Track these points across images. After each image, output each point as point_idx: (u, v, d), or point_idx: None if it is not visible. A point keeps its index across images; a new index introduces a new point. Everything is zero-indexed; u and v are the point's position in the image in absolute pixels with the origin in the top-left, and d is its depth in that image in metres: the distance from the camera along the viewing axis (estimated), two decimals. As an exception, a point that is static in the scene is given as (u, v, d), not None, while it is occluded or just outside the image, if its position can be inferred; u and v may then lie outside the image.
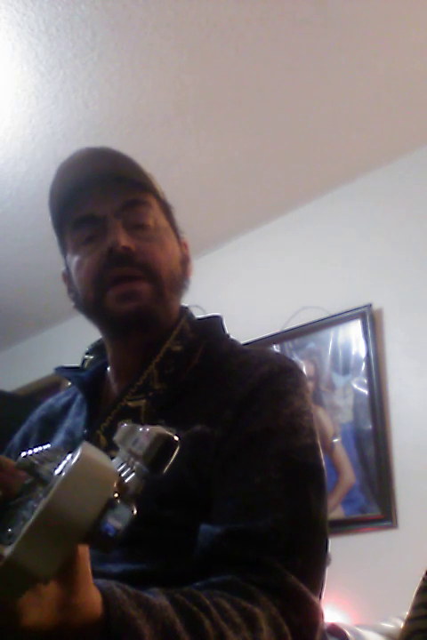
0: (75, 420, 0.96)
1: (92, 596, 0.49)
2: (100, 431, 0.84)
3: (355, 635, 1.14)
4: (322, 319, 2.63)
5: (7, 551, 0.36)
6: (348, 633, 1.13)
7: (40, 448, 0.50)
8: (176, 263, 0.94)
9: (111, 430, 0.83)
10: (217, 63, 2.20)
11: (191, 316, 0.97)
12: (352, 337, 2.53)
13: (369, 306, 2.51)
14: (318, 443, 0.82)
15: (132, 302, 0.87)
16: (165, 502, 0.74)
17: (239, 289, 2.97)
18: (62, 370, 1.02)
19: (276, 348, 2.69)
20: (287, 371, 0.86)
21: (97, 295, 0.89)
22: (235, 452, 0.77)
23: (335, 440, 2.45)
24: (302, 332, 2.69)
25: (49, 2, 1.97)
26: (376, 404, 2.38)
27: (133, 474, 0.40)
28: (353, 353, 2.52)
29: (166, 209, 0.97)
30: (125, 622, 0.51)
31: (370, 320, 2.49)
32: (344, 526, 2.32)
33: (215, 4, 1.99)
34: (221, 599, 0.63)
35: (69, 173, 0.90)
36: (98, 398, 0.95)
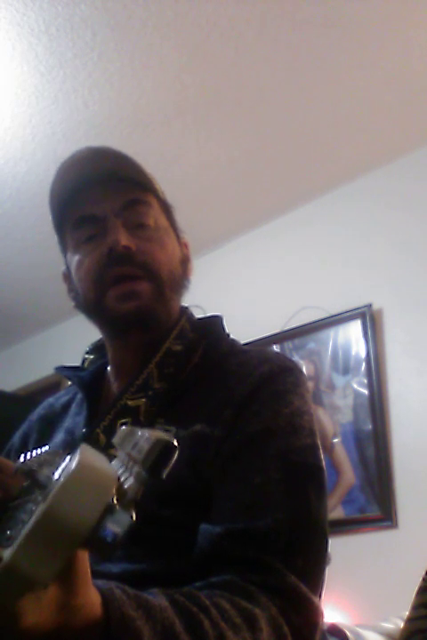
0: (74, 419, 0.96)
1: (91, 597, 0.49)
2: (99, 430, 0.84)
3: (355, 635, 1.14)
4: (322, 319, 2.63)
5: (6, 555, 0.36)
6: (348, 633, 1.13)
7: (39, 451, 0.50)
8: (176, 263, 0.94)
9: (111, 429, 0.83)
10: (217, 63, 2.20)
11: (191, 315, 0.97)
12: (352, 337, 2.53)
13: (369, 306, 2.51)
14: (319, 442, 0.82)
15: (132, 302, 0.87)
16: (165, 502, 0.74)
17: (239, 289, 2.97)
18: (62, 369, 1.02)
19: (276, 348, 2.69)
20: (287, 370, 0.86)
21: (97, 295, 0.89)
22: (235, 452, 0.77)
23: (335, 440, 2.45)
24: (302, 332, 2.69)
25: (49, 2, 1.97)
26: (376, 404, 2.38)
27: (132, 478, 0.40)
28: (353, 353, 2.52)
29: (167, 209, 0.97)
30: (125, 623, 0.51)
31: (370, 320, 2.49)
32: (344, 526, 2.32)
33: (215, 4, 1.99)
34: (221, 599, 0.63)
35: (70, 173, 0.90)
36: (98, 397, 0.95)
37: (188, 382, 0.88)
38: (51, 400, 1.08)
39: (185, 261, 0.98)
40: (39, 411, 1.07)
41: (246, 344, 1.03)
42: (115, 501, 0.37)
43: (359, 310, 2.53)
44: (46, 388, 3.44)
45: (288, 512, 0.73)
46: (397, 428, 2.32)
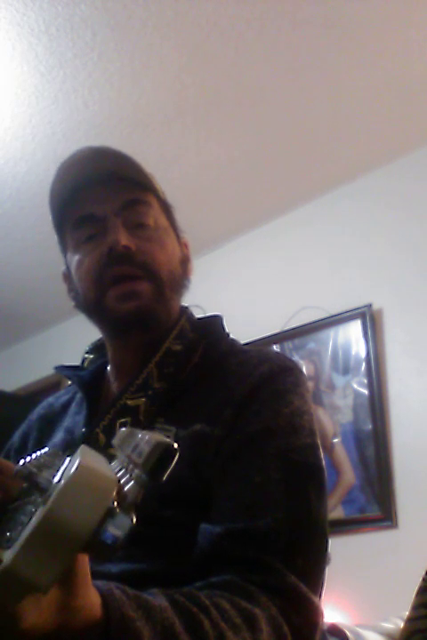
0: (74, 418, 0.96)
1: (91, 598, 0.49)
2: (99, 430, 0.84)
3: (355, 635, 1.14)
4: (322, 319, 2.63)
5: (6, 557, 0.36)
6: (348, 633, 1.13)
7: (38, 453, 0.50)
8: (176, 263, 0.94)
9: (110, 429, 0.83)
10: (217, 63, 2.20)
11: (191, 315, 0.97)
12: (352, 337, 2.53)
13: (369, 306, 2.51)
14: (319, 442, 0.82)
15: (132, 302, 0.87)
16: (165, 502, 0.74)
17: (239, 289, 2.97)
18: (62, 368, 1.02)
19: (276, 348, 2.69)
20: (287, 370, 0.86)
21: (97, 294, 0.89)
22: (235, 452, 0.77)
23: (335, 440, 2.45)
24: (302, 332, 2.69)
25: (49, 2, 1.97)
26: (376, 404, 2.38)
27: (132, 481, 0.40)
28: (353, 353, 2.52)
29: (166, 208, 0.97)
30: (125, 623, 0.51)
31: (370, 320, 2.49)
32: (344, 526, 2.32)
33: (215, 4, 1.98)
34: (221, 599, 0.63)
35: (70, 173, 0.90)
36: (98, 397, 0.95)
37: (187, 382, 0.88)
38: (50, 399, 1.08)
39: (185, 261, 0.98)
40: (39, 410, 1.07)
41: (246, 344, 1.03)
42: (115, 505, 0.37)
43: (359, 310, 2.53)
44: (46, 387, 3.44)
45: (288, 512, 0.73)
46: (397, 428, 2.32)
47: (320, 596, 0.74)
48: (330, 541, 0.78)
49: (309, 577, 0.71)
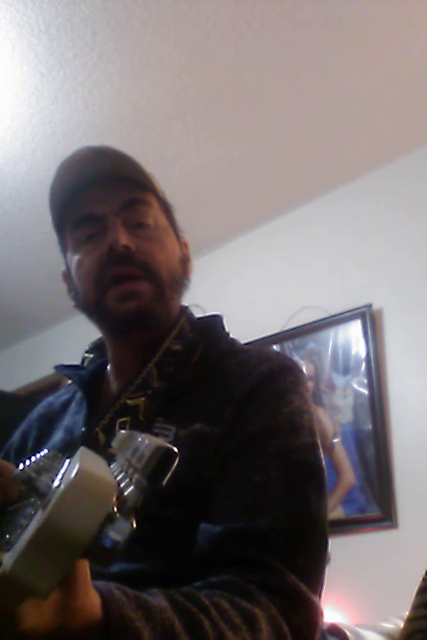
0: (74, 417, 0.96)
1: (91, 599, 0.49)
2: (98, 429, 0.84)
3: (355, 635, 1.14)
4: (322, 319, 2.63)
5: (6, 561, 0.36)
6: (348, 633, 1.13)
7: (37, 456, 0.50)
8: (176, 262, 0.94)
9: (110, 428, 0.83)
10: (217, 63, 2.20)
11: (191, 315, 0.97)
12: (352, 337, 2.53)
13: (369, 306, 2.51)
14: (318, 442, 0.82)
15: (132, 302, 0.87)
16: (165, 501, 0.74)
17: (239, 289, 2.97)
18: (62, 368, 1.02)
19: (276, 348, 2.69)
20: (287, 369, 0.86)
21: (97, 294, 0.89)
22: (235, 451, 0.77)
23: (335, 440, 2.45)
24: (302, 332, 2.69)
25: (49, 2, 1.97)
26: (376, 404, 2.38)
27: (132, 486, 0.39)
28: (353, 353, 2.52)
29: (166, 208, 0.97)
30: (125, 624, 0.51)
31: (370, 320, 2.49)
32: (344, 526, 2.32)
33: (215, 4, 1.98)
34: (221, 599, 0.63)
35: (70, 172, 0.90)
36: (97, 396, 0.95)
37: (187, 381, 0.88)
38: (50, 399, 1.08)
39: (185, 261, 0.98)
40: (39, 409, 1.07)
41: (246, 344, 1.03)
42: (115, 510, 0.37)
43: (359, 310, 2.53)
44: (46, 387, 3.44)
45: (288, 511, 0.73)
46: (397, 428, 2.32)
47: (320, 595, 0.74)
48: (330, 541, 0.77)
49: (309, 577, 0.71)
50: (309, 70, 2.23)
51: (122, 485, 0.40)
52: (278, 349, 2.69)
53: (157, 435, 0.81)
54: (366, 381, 2.43)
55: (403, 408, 2.33)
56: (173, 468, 0.40)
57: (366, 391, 2.42)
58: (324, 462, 0.81)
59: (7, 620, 0.41)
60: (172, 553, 0.74)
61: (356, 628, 1.19)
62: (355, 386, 2.47)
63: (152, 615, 0.55)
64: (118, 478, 0.41)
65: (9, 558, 0.36)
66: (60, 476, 0.39)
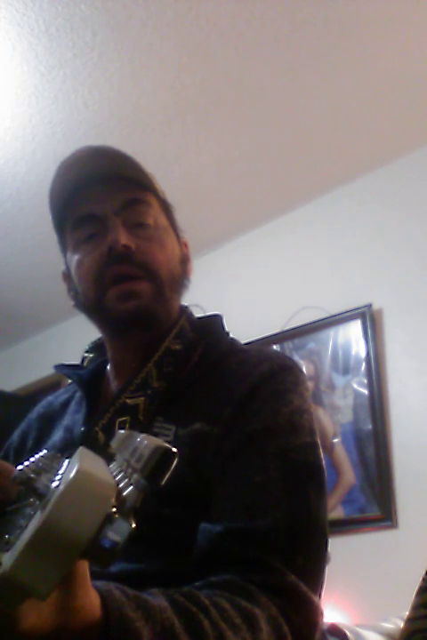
0: (73, 417, 0.96)
1: (90, 599, 0.49)
2: (98, 428, 0.84)
3: (355, 635, 1.14)
4: (322, 319, 2.62)
5: (5, 561, 0.36)
6: (348, 633, 1.13)
7: (36, 457, 0.50)
8: (176, 262, 0.94)
9: (109, 428, 0.83)
10: (217, 63, 2.20)
11: (191, 315, 0.97)
12: (352, 337, 2.53)
13: (369, 306, 2.51)
14: (318, 441, 0.82)
15: (132, 302, 0.87)
16: (164, 500, 0.74)
17: (239, 289, 2.97)
18: (62, 367, 1.02)
19: (276, 348, 2.69)
20: (287, 369, 0.86)
21: (97, 294, 0.89)
22: (235, 451, 0.77)
23: (335, 440, 2.45)
24: (302, 332, 2.69)
25: (49, 2, 1.97)
26: (376, 404, 2.38)
27: (131, 486, 0.39)
28: (353, 353, 2.52)
29: (166, 208, 0.97)
30: (124, 624, 0.51)
31: (370, 320, 2.49)
32: (344, 526, 2.32)
33: (215, 4, 1.98)
34: (221, 599, 0.63)
35: (70, 172, 0.90)
36: (97, 396, 0.95)
37: (187, 381, 0.88)
38: (50, 398, 1.08)
39: (185, 261, 0.98)
40: (38, 408, 1.07)
41: (246, 344, 1.03)
42: (114, 510, 0.37)
43: (359, 310, 2.53)
44: (46, 387, 3.44)
45: (288, 511, 0.73)
46: (397, 428, 2.32)
47: (320, 595, 0.74)
48: (330, 541, 0.77)
49: (309, 576, 0.71)
50: (309, 70, 2.23)
51: (121, 486, 0.40)
52: (278, 349, 2.69)
53: (156, 434, 0.81)
54: (366, 381, 2.43)
55: (403, 408, 2.33)
56: (172, 469, 0.40)
57: (366, 391, 2.42)
58: (324, 462, 0.81)
59: (6, 621, 0.41)
60: (172, 553, 0.74)
61: (356, 628, 1.19)
62: (355, 386, 2.47)
63: (152, 615, 0.55)
64: (117, 478, 0.41)
65: (8, 559, 0.36)
66: (59, 477, 0.39)
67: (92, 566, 0.48)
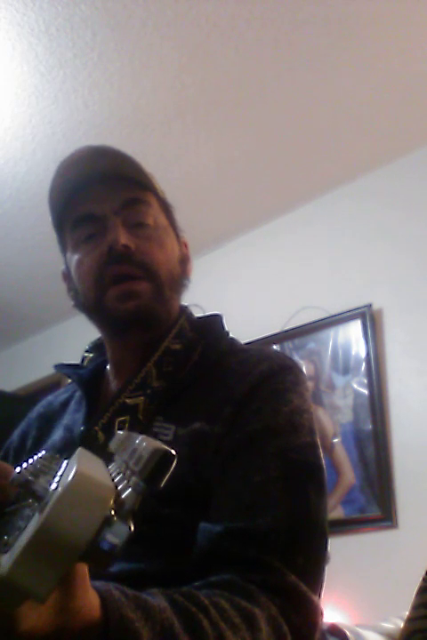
0: (73, 416, 0.96)
1: (90, 599, 0.48)
2: (97, 428, 0.84)
3: (355, 635, 1.14)
4: (322, 319, 2.62)
5: (3, 563, 0.36)
6: (348, 633, 1.13)
7: (35, 458, 0.50)
8: (175, 262, 0.94)
9: (109, 427, 0.83)
10: (217, 63, 2.20)
11: (191, 314, 0.97)
12: (352, 337, 2.53)
13: (369, 306, 2.51)
14: (318, 441, 0.82)
15: (132, 301, 0.87)
16: (164, 500, 0.74)
17: (239, 289, 2.97)
18: (62, 366, 1.03)
19: (276, 348, 2.69)
20: (287, 369, 0.86)
21: (97, 294, 0.89)
22: (234, 450, 0.77)
23: (335, 440, 2.45)
24: (302, 332, 2.69)
25: (49, 2, 1.97)
26: (376, 404, 2.38)
27: (130, 488, 0.39)
28: (353, 353, 2.51)
29: (166, 208, 0.97)
30: (124, 624, 0.51)
31: (370, 320, 2.49)
32: (344, 526, 2.32)
33: (215, 4, 1.98)
34: (221, 599, 0.63)
35: (69, 172, 0.90)
36: (97, 395, 0.95)
37: (187, 380, 0.88)
38: (50, 398, 1.08)
39: (184, 261, 0.98)
40: (38, 408, 1.07)
41: (246, 344, 1.03)
42: (112, 513, 0.37)
43: (359, 310, 2.53)
44: (46, 387, 3.43)
45: (288, 511, 0.73)
46: (397, 428, 2.32)
47: (320, 595, 0.74)
48: (330, 541, 0.77)
49: (308, 576, 0.71)
50: (309, 70, 2.23)
51: (119, 488, 0.40)
52: (278, 349, 2.69)
53: (156, 434, 0.81)
54: (366, 381, 2.43)
55: (403, 408, 2.33)
56: (171, 471, 0.39)
57: (366, 391, 2.42)
58: (324, 462, 0.81)
59: (6, 622, 0.41)
60: (171, 553, 0.74)
61: (356, 628, 1.19)
62: (355, 386, 2.47)
63: (151, 615, 0.55)
64: (116, 480, 0.41)
65: (6, 561, 0.36)
66: (57, 479, 0.38)
67: (91, 568, 0.48)
